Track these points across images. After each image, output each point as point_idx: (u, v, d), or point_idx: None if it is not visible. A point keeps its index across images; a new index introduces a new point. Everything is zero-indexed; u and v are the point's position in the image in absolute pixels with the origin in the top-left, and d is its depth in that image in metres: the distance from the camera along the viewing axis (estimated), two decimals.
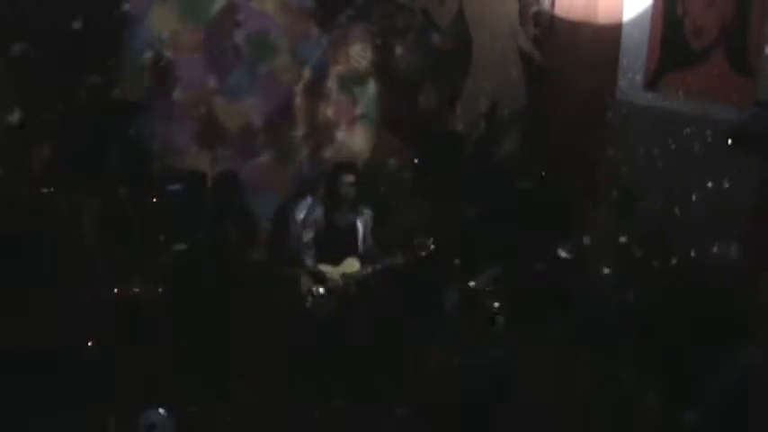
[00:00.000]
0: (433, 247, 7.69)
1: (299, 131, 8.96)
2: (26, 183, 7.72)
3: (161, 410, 5.48)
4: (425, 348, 7.16)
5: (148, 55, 8.27)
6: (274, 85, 8.79)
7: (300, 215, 7.89)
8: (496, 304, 7.18)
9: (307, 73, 8.89)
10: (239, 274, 7.62)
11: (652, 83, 8.64)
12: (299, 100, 8.91)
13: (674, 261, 7.76)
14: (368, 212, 7.89)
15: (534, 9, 9.55)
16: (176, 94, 8.45)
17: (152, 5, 8.23)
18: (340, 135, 9.14)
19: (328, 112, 9.06)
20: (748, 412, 5.77)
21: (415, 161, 9.36)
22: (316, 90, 8.96)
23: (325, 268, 7.61)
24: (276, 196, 8.83)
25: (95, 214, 7.53)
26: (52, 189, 7.58)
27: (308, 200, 8.05)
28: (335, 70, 9.02)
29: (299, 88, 8.89)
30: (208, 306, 7.14)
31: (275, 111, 8.83)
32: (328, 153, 9.07)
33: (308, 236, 7.70)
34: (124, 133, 8.02)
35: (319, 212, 7.76)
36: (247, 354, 7.07)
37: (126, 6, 8.14)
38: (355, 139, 9.22)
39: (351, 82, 9.10)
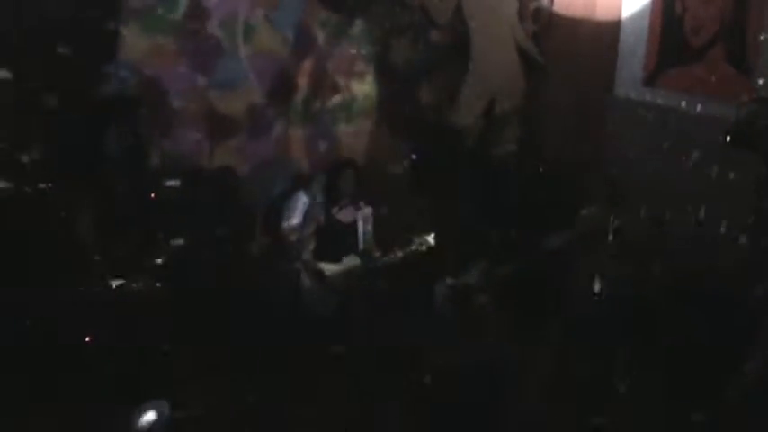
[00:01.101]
0: (431, 243, 7.71)
1: (304, 93, 8.93)
2: (22, 178, 7.68)
3: (157, 409, 5.48)
4: (423, 345, 7.16)
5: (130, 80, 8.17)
6: (263, 59, 8.73)
7: (301, 211, 7.93)
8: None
9: (290, 35, 8.81)
10: (238, 269, 7.62)
11: (651, 80, 8.65)
12: (293, 64, 8.87)
13: (670, 257, 7.77)
14: (367, 209, 7.90)
15: (533, 5, 9.55)
16: (169, 103, 8.38)
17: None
18: (343, 81, 9.15)
19: (327, 63, 9.02)
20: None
21: (413, 157, 9.36)
22: (306, 48, 8.90)
23: (324, 265, 7.63)
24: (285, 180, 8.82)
25: (93, 210, 7.52)
26: (50, 185, 7.56)
27: (308, 196, 8.10)
28: (318, 21, 8.94)
29: (288, 53, 8.83)
30: (206, 302, 7.15)
31: (274, 84, 8.78)
32: (338, 99, 9.11)
33: (307, 232, 7.72)
34: (122, 128, 8.01)
35: (319, 208, 7.78)
36: (245, 350, 7.04)
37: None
38: (360, 81, 9.24)
39: (338, 27, 9.06)
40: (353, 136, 9.20)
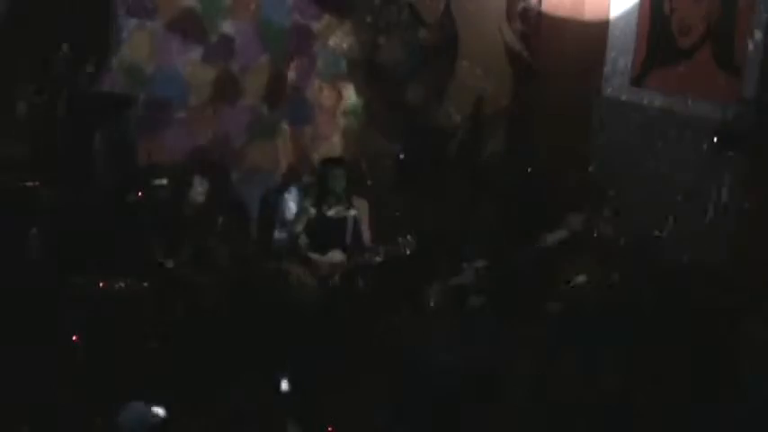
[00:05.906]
0: (415, 243, 7.73)
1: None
2: (9, 175, 7.64)
3: (150, 409, 5.45)
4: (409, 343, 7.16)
5: None
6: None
7: (291, 208, 7.97)
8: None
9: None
10: (229, 265, 7.62)
11: (638, 80, 8.68)
12: None
13: (657, 257, 7.81)
14: (357, 206, 7.93)
15: (521, 5, 9.56)
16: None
17: None
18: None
19: None
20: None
21: (400, 157, 9.36)
22: None
23: (314, 256, 7.68)
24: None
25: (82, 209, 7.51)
26: (37, 183, 7.52)
27: (298, 192, 8.14)
28: None
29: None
30: (196, 299, 7.14)
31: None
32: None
33: (298, 229, 7.77)
34: (111, 128, 8.00)
35: (308, 206, 7.83)
36: (236, 347, 7.01)
37: None
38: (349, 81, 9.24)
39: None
40: (342, 135, 9.18)
